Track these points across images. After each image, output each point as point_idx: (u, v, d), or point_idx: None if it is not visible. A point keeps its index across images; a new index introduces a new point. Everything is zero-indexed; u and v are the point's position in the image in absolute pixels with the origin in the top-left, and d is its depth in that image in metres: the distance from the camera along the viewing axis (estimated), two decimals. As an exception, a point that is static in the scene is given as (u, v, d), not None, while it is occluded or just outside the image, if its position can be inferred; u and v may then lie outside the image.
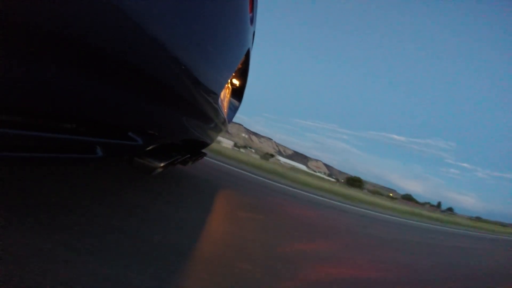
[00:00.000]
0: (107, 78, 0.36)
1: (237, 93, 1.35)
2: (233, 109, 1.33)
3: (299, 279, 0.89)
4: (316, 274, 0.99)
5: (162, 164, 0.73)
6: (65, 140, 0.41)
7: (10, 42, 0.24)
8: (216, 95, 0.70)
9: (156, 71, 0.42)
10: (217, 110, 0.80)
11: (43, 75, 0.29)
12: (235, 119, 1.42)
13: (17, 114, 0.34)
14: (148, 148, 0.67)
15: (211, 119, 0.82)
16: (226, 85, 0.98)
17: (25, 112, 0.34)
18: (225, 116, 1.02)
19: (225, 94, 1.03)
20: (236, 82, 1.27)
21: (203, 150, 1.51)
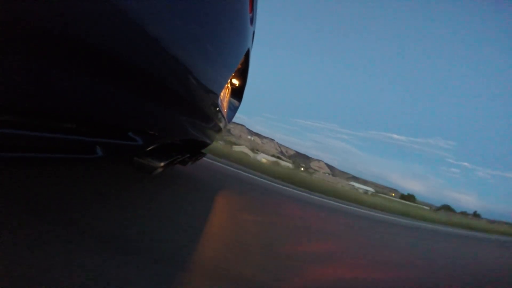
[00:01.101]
0: (107, 78, 0.36)
1: (237, 93, 1.35)
2: (233, 109, 1.33)
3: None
4: None
5: (162, 164, 0.74)
6: (65, 140, 0.41)
7: (10, 42, 0.25)
8: (216, 95, 0.71)
9: (156, 71, 0.42)
10: (216, 110, 0.80)
11: (43, 75, 0.29)
12: (237, 120, 1.43)
13: (17, 114, 0.34)
14: (148, 148, 0.67)
15: (210, 119, 0.82)
16: (226, 85, 0.98)
17: (25, 112, 0.35)
18: (225, 116, 1.02)
19: (224, 94, 1.03)
20: (235, 82, 1.27)
21: (203, 150, 1.51)
